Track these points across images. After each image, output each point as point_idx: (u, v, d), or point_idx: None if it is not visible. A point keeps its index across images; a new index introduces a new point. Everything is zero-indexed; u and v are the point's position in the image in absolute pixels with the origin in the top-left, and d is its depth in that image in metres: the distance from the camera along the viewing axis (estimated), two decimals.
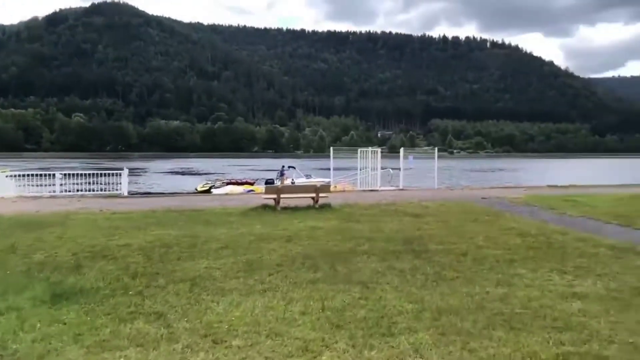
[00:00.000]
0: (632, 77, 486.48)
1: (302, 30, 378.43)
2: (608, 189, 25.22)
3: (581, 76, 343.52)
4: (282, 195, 15.21)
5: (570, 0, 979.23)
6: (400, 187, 23.99)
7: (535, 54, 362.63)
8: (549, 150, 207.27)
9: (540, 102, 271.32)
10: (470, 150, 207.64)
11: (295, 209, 14.74)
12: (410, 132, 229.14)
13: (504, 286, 6.49)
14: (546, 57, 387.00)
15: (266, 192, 15.65)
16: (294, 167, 29.35)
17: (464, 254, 8.47)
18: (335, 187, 24.66)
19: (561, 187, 25.74)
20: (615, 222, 12.53)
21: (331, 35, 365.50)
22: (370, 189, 23.46)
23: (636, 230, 11.28)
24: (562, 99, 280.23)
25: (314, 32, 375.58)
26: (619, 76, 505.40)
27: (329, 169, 25.43)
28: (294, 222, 12.12)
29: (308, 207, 15.05)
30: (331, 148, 26.85)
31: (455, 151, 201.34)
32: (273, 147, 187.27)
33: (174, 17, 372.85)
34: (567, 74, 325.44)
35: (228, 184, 29.19)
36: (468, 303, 5.74)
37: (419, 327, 4.97)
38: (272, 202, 15.09)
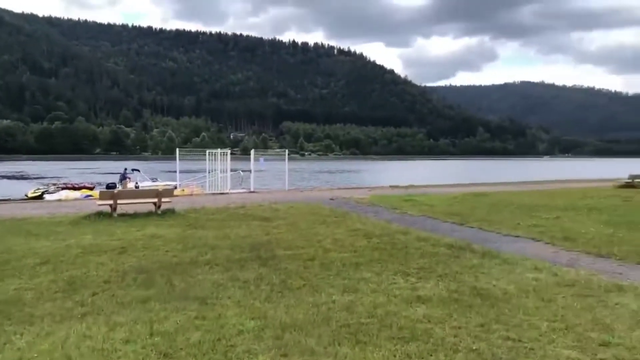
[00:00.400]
0: (462, 86, 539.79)
1: (150, 28, 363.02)
2: (443, 188, 27.08)
3: (418, 84, 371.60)
4: (119, 201, 13.89)
5: (408, 13, 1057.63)
6: (251, 190, 23.55)
7: (378, 62, 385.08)
8: (391, 153, 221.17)
9: (382, 108, 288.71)
10: (320, 153, 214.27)
11: (135, 215, 13.56)
12: (263, 134, 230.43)
13: (351, 292, 6.26)
14: (388, 66, 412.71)
15: (100, 198, 14.15)
16: (138, 170, 27.56)
17: (311, 259, 8.18)
18: (183, 190, 23.54)
19: (402, 187, 27.06)
20: (451, 220, 13.21)
21: (180, 34, 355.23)
22: (219, 192, 22.69)
23: (470, 228, 11.95)
24: (402, 105, 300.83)
25: (162, 30, 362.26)
26: (450, 85, 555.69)
27: (182, 172, 24.22)
28: (131, 231, 11.05)
29: (149, 214, 13.94)
30: (177, 149, 25.59)
31: (306, 153, 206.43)
32: (118, 148, 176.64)
33: (3, 6, 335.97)
34: (406, 82, 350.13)
35: (63, 188, 26.38)
36: (314, 315, 5.37)
37: (259, 349, 4.47)
38: (107, 209, 13.74)
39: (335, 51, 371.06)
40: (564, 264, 7.81)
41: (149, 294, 6.26)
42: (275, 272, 7.37)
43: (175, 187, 23.45)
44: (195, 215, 13.76)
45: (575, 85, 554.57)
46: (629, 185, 26.64)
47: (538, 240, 10.14)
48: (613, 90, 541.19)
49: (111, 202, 13.74)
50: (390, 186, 28.10)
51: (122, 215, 13.52)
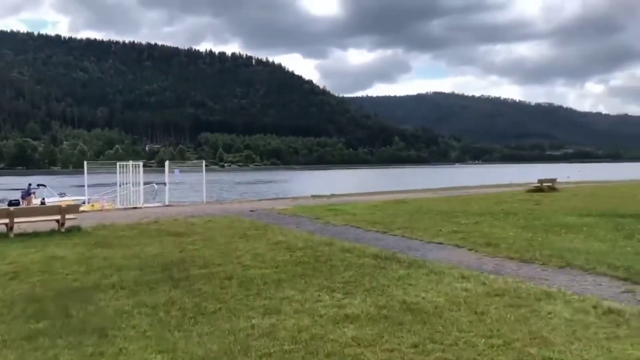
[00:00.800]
0: (378, 97, 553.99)
1: (58, 37, 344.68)
2: (364, 196, 27.12)
3: (337, 95, 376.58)
4: (16, 219, 12.57)
5: (323, 25, 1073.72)
6: (166, 203, 22.42)
7: (296, 72, 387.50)
8: (312, 162, 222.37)
9: (302, 118, 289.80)
10: (240, 164, 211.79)
11: (35, 235, 12.30)
12: (180, 145, 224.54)
13: (272, 315, 5.70)
14: (306, 76, 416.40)
15: None
16: (44, 185, 25.71)
17: (229, 278, 7.54)
18: (93, 205, 22.09)
19: (324, 196, 26.84)
20: (374, 228, 12.97)
21: (91, 44, 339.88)
22: (132, 206, 21.41)
23: (394, 236, 11.74)
24: (321, 115, 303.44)
25: (72, 40, 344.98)
26: (367, 96, 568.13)
27: (93, 186, 22.66)
28: (28, 252, 9.92)
29: (52, 232, 12.72)
30: (85, 162, 23.97)
31: (226, 164, 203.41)
32: (24, 163, 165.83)
33: None
34: (324, 92, 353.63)
35: None
36: (231, 345, 4.75)
37: None
38: (3, 229, 12.39)
39: (254, 61, 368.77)
40: (490, 271, 7.66)
41: (38, 328, 5.41)
42: (189, 294, 6.68)
43: (84, 203, 21.95)
44: (103, 233, 12.71)
45: (482, 95, 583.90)
46: (538, 189, 27.86)
47: (461, 247, 10.04)
48: (517, 100, 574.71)
49: (7, 220, 12.41)
50: (312, 196, 27.80)
51: (20, 235, 12.23)
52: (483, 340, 4.57)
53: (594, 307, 5.48)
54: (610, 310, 5.30)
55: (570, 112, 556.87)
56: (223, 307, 6.04)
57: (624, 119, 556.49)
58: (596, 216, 14.44)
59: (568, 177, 41.63)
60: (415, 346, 4.56)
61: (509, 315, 5.30)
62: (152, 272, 8.06)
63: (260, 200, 27.58)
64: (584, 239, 10.55)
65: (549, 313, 5.34)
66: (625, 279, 6.91)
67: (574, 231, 11.56)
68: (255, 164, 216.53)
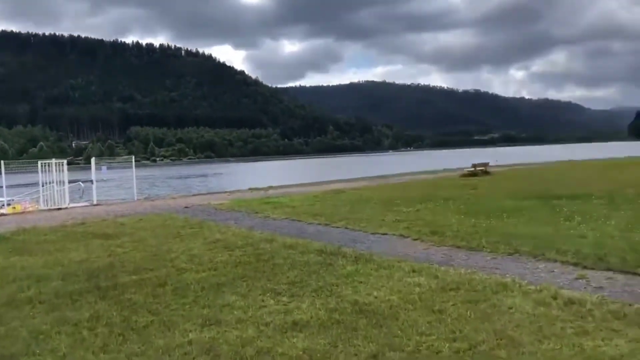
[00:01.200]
0: (311, 87, 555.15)
1: None
2: (302, 187, 26.70)
3: (270, 85, 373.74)
4: None
5: (253, 15, 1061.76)
6: (94, 202, 21.12)
7: (228, 63, 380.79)
8: (247, 154, 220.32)
9: (236, 109, 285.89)
10: (173, 158, 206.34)
11: None
12: (109, 140, 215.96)
13: (212, 326, 5.12)
14: (238, 67, 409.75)
15: None
16: None
17: (162, 284, 6.87)
18: (14, 208, 20.50)
19: (262, 189, 26.22)
20: (316, 221, 12.55)
21: (8, 37, 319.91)
22: (57, 207, 20.02)
23: (337, 229, 11.35)
24: (255, 106, 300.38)
25: None
26: (300, 86, 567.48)
27: (14, 186, 21.02)
28: None
29: None
30: (1, 162, 22.17)
31: (157, 159, 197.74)
32: None
33: None
34: (257, 83, 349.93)
35: None
36: None
37: None
38: None
39: (183, 52, 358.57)
40: (440, 262, 7.37)
41: None
42: (117, 306, 5.99)
43: (3, 205, 20.34)
44: (23, 238, 11.63)
45: (413, 83, 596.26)
46: (472, 173, 28.34)
47: (406, 237, 9.76)
48: (446, 87, 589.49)
49: None
50: (250, 189, 27.11)
51: None
52: (447, 345, 4.18)
53: (554, 297, 5.24)
54: (571, 301, 5.07)
55: (495, 97, 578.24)
56: (156, 320, 5.40)
57: (545, 103, 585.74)
58: (533, 199, 14.61)
59: (496, 160, 42.82)
60: (374, 356, 4.11)
61: (469, 313, 4.96)
62: (76, 282, 7.28)
63: (195, 195, 26.59)
64: (526, 223, 10.53)
65: (510, 308, 5.04)
66: (575, 264, 6.79)
67: (515, 215, 11.56)
68: (189, 157, 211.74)
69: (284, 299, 5.93)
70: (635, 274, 6.17)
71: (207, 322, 5.25)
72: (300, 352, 4.28)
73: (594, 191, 15.48)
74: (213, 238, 10.56)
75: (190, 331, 5.01)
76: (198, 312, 5.64)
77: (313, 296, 5.94)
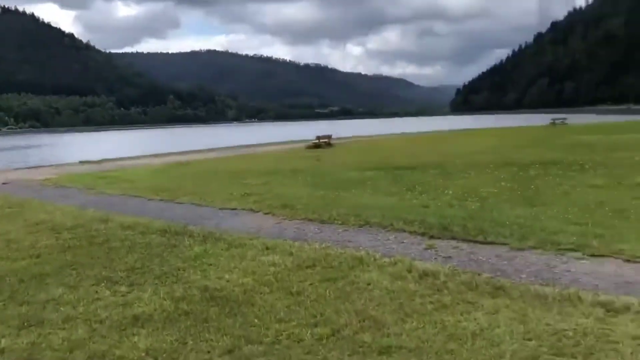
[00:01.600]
0: (149, 54, 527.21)
1: None
2: (141, 160, 25.12)
3: (103, 50, 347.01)
4: None
5: None
6: None
7: (54, 24, 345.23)
8: (78, 124, 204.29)
9: (65, 75, 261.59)
10: None
11: None
12: None
13: (32, 328, 4.26)
14: (66, 29, 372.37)
15: None
16: None
17: None
18: None
19: (95, 162, 24.17)
20: (158, 197, 11.65)
21: None
22: None
23: (181, 205, 10.60)
24: (87, 73, 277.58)
25: None
26: (137, 52, 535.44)
27: None
28: None
29: None
30: None
31: None
32: None
33: None
34: (89, 47, 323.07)
35: None
36: None
37: None
38: None
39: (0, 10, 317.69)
40: (293, 238, 7.08)
41: None
42: None
43: None
44: None
45: (256, 54, 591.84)
46: (316, 145, 28.85)
47: (256, 212, 9.35)
48: (288, 60, 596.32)
49: None
50: (81, 162, 24.87)
51: None
52: (309, 332, 3.85)
53: (409, 270, 5.18)
54: (425, 273, 5.04)
55: (335, 72, 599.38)
56: None
57: (380, 79, 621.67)
58: (375, 170, 15.04)
59: (336, 132, 44.20)
60: (230, 351, 3.65)
61: (328, 293, 4.69)
62: None
63: (16, 169, 23.61)
64: (371, 194, 10.70)
65: (368, 284, 4.87)
66: (422, 234, 6.92)
67: (360, 186, 11.73)
68: (9, 127, 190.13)
69: (122, 288, 5.19)
70: (476, 242, 6.43)
71: (26, 323, 4.37)
72: (143, 354, 3.66)
73: (428, 162, 16.41)
74: (37, 219, 9.23)
75: (4, 336, 4.11)
76: (14, 311, 4.70)
77: (156, 284, 5.28)
